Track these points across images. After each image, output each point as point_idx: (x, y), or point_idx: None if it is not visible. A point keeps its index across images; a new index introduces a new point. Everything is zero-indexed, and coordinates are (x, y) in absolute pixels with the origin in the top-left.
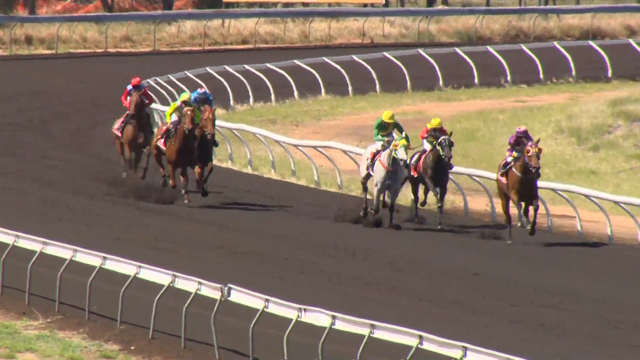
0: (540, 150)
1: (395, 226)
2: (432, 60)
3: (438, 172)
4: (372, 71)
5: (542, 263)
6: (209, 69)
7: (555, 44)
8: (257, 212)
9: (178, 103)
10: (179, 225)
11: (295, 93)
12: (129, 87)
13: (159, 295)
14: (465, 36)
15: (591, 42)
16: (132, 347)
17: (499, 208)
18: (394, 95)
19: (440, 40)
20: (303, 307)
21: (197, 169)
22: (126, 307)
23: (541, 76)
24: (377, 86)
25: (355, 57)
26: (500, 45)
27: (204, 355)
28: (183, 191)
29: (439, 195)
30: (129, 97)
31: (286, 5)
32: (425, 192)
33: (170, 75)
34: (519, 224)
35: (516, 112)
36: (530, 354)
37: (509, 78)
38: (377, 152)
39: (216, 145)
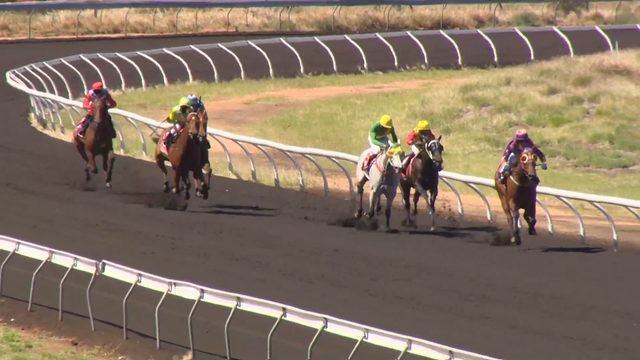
0: (535, 157)
1: (392, 230)
2: (293, 49)
3: (428, 176)
4: (237, 58)
5: (401, 240)
6: (82, 57)
7: (409, 33)
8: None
9: (176, 108)
10: (58, 206)
11: (165, 79)
12: (91, 91)
13: (37, 270)
14: (325, 26)
15: (442, 32)
16: (12, 319)
17: (344, 187)
18: (258, 82)
19: (300, 30)
20: (173, 281)
21: (205, 170)
22: (6, 282)
23: (396, 63)
24: (242, 73)
25: (220, 45)
26: (358, 35)
27: (80, 326)
28: (184, 193)
29: (429, 199)
30: (90, 102)
31: None
32: (416, 200)
33: (45, 63)
34: (512, 239)
35: (372, 97)
36: (386, 325)
37: (365, 65)
38: (374, 156)
39: (209, 147)
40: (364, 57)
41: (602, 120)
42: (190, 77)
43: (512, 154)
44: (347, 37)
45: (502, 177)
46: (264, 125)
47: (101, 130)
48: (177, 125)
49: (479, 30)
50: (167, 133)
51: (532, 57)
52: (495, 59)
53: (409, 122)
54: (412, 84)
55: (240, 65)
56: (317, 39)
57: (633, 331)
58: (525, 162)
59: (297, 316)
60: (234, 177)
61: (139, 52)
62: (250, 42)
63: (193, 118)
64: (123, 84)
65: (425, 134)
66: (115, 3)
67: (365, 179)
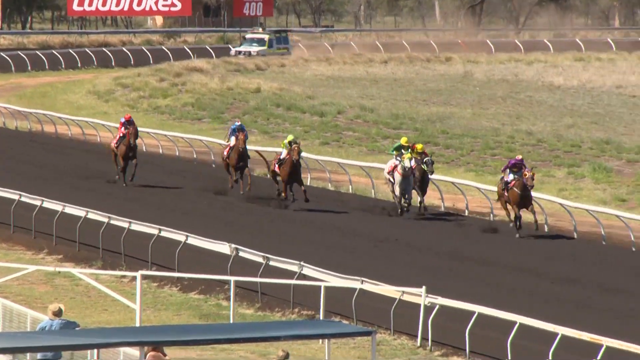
0: (534, 174)
1: (406, 211)
2: (24, 56)
3: (423, 182)
4: None
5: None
6: None
7: (87, 49)
8: None
9: (286, 142)
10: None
11: None
12: (123, 120)
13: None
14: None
15: (104, 49)
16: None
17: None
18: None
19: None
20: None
21: (302, 188)
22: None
23: (79, 64)
24: None
25: None
26: (59, 49)
27: None
28: (291, 199)
29: (421, 197)
30: (124, 128)
31: None
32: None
33: None
34: (511, 224)
35: (68, 83)
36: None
37: (63, 65)
38: (395, 166)
39: (249, 157)
40: (62, 61)
41: (188, 95)
42: None
43: (510, 174)
44: (54, 51)
45: (503, 187)
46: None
47: (130, 147)
48: (285, 152)
49: (124, 48)
50: (277, 157)
51: (151, 62)
52: (132, 62)
53: (86, 97)
54: (87, 76)
55: None
56: (39, 52)
57: None
58: (526, 177)
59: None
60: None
61: None
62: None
63: (296, 148)
64: None
65: (421, 154)
66: None
67: (391, 183)
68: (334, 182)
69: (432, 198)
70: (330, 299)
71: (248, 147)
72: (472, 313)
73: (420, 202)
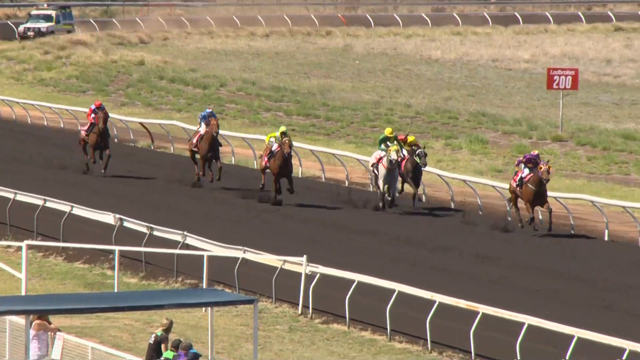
0: (550, 167)
1: (394, 205)
2: None
3: (415, 174)
4: None
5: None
6: None
7: None
8: None
9: (277, 133)
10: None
11: None
12: (93, 107)
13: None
14: None
15: None
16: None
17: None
18: None
19: None
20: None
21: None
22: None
23: None
24: None
25: None
26: None
27: None
28: (279, 196)
29: (415, 189)
30: (93, 115)
31: None
32: (402, 184)
33: None
34: (520, 225)
35: None
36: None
37: None
38: (380, 158)
39: (220, 145)
40: None
41: (72, 68)
42: None
43: (525, 169)
44: None
45: (517, 183)
46: None
47: (102, 134)
48: (275, 145)
49: (8, 21)
50: (268, 150)
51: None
52: (16, 35)
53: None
54: None
55: None
56: None
57: None
58: (542, 170)
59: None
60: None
61: None
62: None
63: (287, 142)
64: None
65: (414, 145)
66: None
67: (376, 175)
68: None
69: (313, 169)
70: (214, 268)
71: (133, 118)
72: (351, 281)
73: (414, 195)
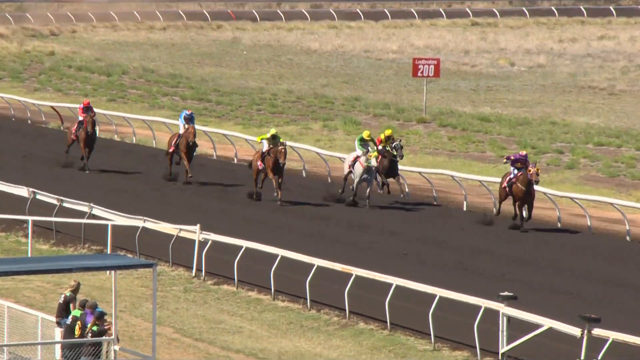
0: (539, 170)
1: (371, 205)
2: None
3: (391, 169)
4: None
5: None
6: None
7: None
8: None
9: (268, 135)
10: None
11: None
12: (82, 105)
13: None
14: None
15: None
16: None
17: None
18: None
19: None
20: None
21: (275, 180)
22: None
23: None
24: None
25: None
26: None
27: None
28: (276, 193)
29: (385, 183)
30: (84, 114)
31: None
32: (381, 181)
33: None
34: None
35: None
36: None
37: None
38: (357, 157)
39: (197, 145)
40: None
41: None
42: None
43: (515, 170)
44: None
45: (507, 184)
46: None
47: (90, 136)
48: (266, 146)
49: None
50: (260, 152)
51: None
52: None
53: None
54: None
55: None
56: None
57: None
58: (531, 172)
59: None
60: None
61: None
62: None
63: (283, 151)
64: None
65: (390, 138)
66: None
67: (350, 173)
68: (120, 134)
69: (205, 148)
70: (117, 236)
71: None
72: (240, 247)
73: (385, 184)
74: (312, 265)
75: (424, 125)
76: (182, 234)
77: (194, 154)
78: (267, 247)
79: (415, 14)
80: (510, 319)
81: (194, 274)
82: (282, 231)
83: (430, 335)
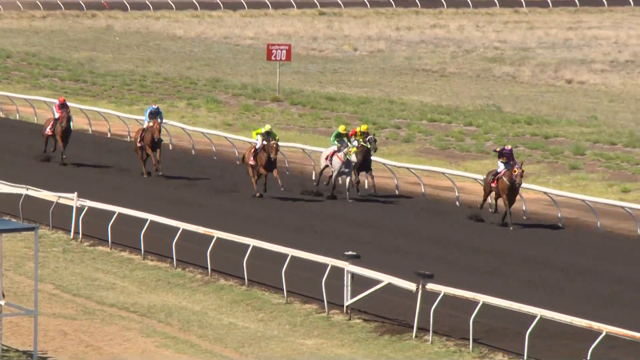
0: (523, 172)
1: (351, 199)
2: None
3: (365, 163)
4: None
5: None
6: None
7: None
8: None
9: (263, 131)
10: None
11: None
12: (58, 103)
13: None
14: None
15: None
16: None
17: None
18: None
19: None
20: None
21: (275, 173)
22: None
23: None
24: None
25: None
26: None
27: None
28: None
29: (355, 180)
30: (60, 110)
31: None
32: (357, 174)
33: None
34: (492, 210)
35: None
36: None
37: None
38: (334, 152)
39: (162, 141)
40: None
41: None
42: None
43: (501, 164)
44: None
45: (492, 177)
46: None
47: (67, 130)
48: (259, 143)
49: None
50: (253, 148)
51: None
52: None
53: None
54: None
55: None
56: None
57: None
58: (515, 174)
59: None
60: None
61: None
62: None
63: (275, 146)
64: None
65: (364, 133)
66: None
67: (326, 167)
68: (5, 112)
69: (81, 124)
70: (2, 203)
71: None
72: (113, 213)
73: (358, 182)
74: (177, 229)
75: (278, 104)
76: (62, 201)
77: (160, 145)
78: (137, 212)
79: (269, 4)
80: (354, 276)
81: (72, 237)
82: (153, 198)
83: (283, 290)
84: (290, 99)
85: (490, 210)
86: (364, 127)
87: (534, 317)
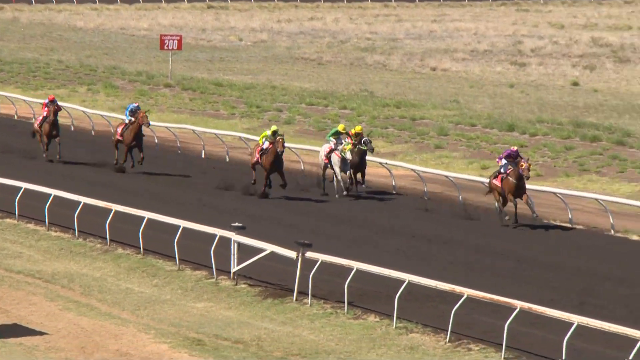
0: (530, 165)
1: (347, 194)
2: None
3: (360, 164)
4: None
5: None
6: None
7: None
8: None
9: (269, 132)
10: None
11: None
12: (47, 100)
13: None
14: None
15: None
16: None
17: None
18: None
19: None
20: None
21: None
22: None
23: None
24: None
25: None
26: None
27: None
28: (269, 189)
29: (353, 179)
30: (47, 107)
31: None
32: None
33: None
34: (506, 216)
35: None
36: None
37: None
38: (332, 149)
39: (144, 135)
40: None
41: None
42: None
43: (506, 163)
44: None
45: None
46: None
47: (53, 124)
48: (267, 143)
49: None
50: (259, 148)
51: None
52: None
53: None
54: None
55: None
56: None
57: None
58: (523, 167)
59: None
60: None
61: None
62: None
63: (281, 140)
64: None
65: (358, 135)
66: None
67: (326, 167)
68: None
69: (6, 110)
70: None
71: None
72: (20, 188)
73: (358, 181)
74: (79, 203)
75: (170, 89)
76: None
77: (142, 142)
78: (42, 188)
79: None
80: (240, 245)
81: None
82: (57, 176)
83: (175, 258)
84: (181, 84)
85: (505, 217)
86: (358, 128)
87: (403, 281)
